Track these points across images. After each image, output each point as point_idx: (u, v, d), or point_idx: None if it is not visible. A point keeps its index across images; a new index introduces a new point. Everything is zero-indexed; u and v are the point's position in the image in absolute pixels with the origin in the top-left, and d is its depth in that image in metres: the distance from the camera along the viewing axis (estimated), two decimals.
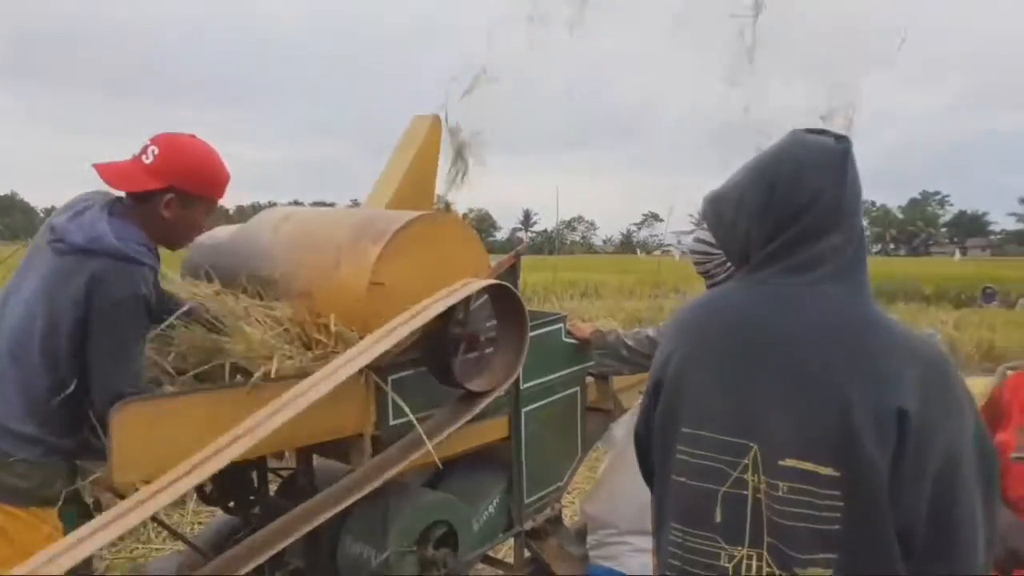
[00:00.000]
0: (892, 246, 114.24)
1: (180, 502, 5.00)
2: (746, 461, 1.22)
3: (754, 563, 1.21)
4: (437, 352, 2.57)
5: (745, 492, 1.22)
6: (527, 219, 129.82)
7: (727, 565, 1.23)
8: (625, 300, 20.27)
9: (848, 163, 1.28)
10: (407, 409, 2.47)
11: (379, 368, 2.46)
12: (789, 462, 1.17)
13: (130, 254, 2.09)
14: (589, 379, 3.61)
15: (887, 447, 1.11)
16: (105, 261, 2.06)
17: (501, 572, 3.48)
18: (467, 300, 2.66)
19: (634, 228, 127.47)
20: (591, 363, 3.52)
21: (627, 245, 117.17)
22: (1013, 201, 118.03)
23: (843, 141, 1.29)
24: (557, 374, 3.37)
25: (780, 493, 1.17)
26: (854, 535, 1.14)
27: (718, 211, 1.39)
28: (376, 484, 2.42)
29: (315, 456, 2.88)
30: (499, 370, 2.78)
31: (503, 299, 2.77)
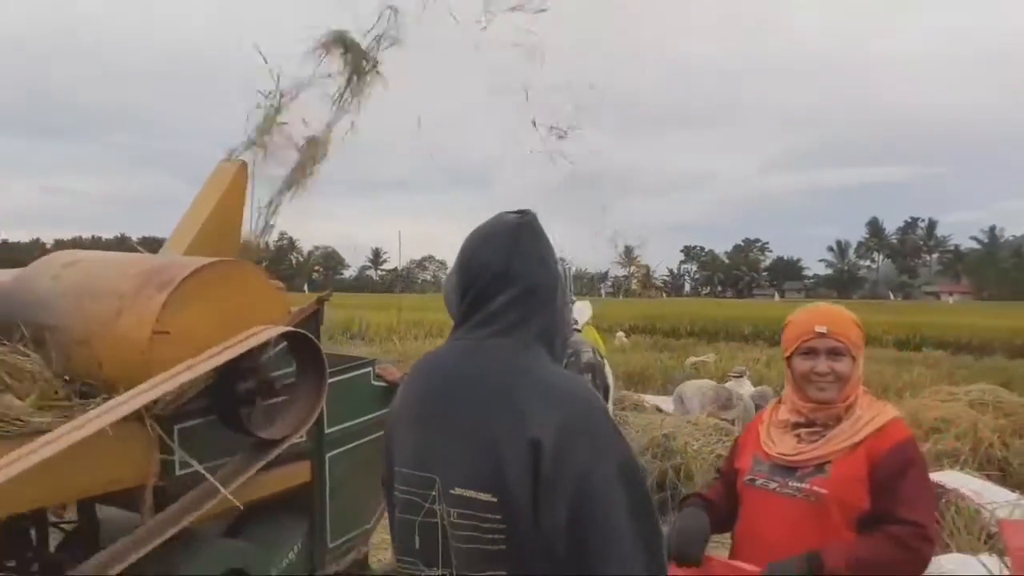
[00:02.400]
0: (720, 288, 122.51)
1: None
2: (434, 492, 1.39)
3: None
4: (226, 400, 2.57)
5: (435, 520, 1.39)
6: (376, 258, 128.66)
7: None
8: None
9: (519, 235, 1.49)
10: (191, 460, 2.45)
11: (162, 417, 2.43)
12: (458, 491, 1.34)
13: None
14: None
15: (526, 474, 1.29)
16: None
17: None
18: (262, 347, 2.68)
19: None
20: None
21: None
22: (823, 249, 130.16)
23: (523, 216, 1.52)
24: (365, 418, 3.42)
25: (453, 519, 1.35)
26: (516, 553, 1.31)
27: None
28: (164, 538, 2.37)
29: (105, 507, 2.78)
30: (295, 417, 2.80)
31: (300, 346, 2.80)
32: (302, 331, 2.76)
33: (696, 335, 25.49)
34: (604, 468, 1.31)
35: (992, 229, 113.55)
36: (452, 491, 1.35)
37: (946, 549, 4.30)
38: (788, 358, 2.16)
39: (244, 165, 3.43)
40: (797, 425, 2.12)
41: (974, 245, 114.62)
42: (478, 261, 1.49)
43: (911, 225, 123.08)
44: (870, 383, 11.71)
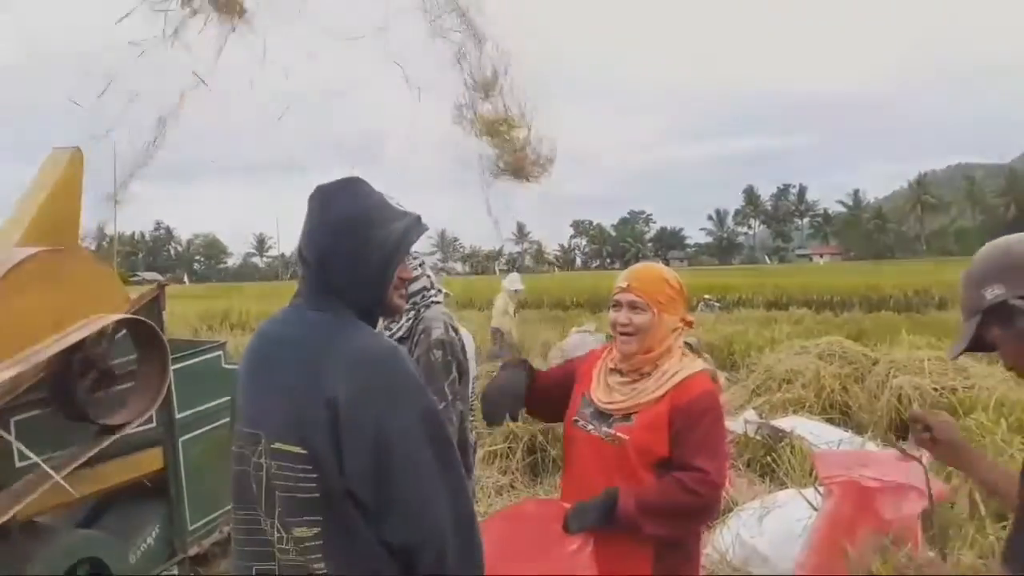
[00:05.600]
0: (609, 260, 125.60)
1: None
2: (260, 447, 1.49)
3: (274, 526, 1.48)
4: (63, 390, 2.56)
5: (262, 473, 1.49)
6: (261, 245, 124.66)
7: (265, 526, 1.51)
8: None
9: (312, 207, 1.57)
10: (24, 449, 2.44)
11: None
12: (277, 445, 1.46)
13: None
14: None
15: (327, 429, 1.41)
16: None
17: None
18: (100, 335, 2.69)
19: None
20: None
21: None
22: (703, 218, 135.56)
23: (319, 188, 1.58)
24: (219, 400, 3.44)
25: (274, 471, 1.46)
26: (328, 501, 1.42)
27: None
28: None
29: None
30: (139, 403, 2.82)
31: (140, 332, 2.81)
32: (139, 317, 2.77)
33: (581, 306, 26.20)
34: (402, 419, 1.44)
35: (856, 193, 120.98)
36: (272, 446, 1.46)
37: (781, 486, 4.73)
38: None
39: (79, 152, 3.34)
40: (614, 371, 2.29)
41: (841, 209, 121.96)
42: (300, 233, 1.58)
43: (784, 191, 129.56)
44: (736, 340, 12.19)
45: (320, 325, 1.52)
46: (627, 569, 2.15)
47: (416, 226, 1.60)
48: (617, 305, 2.26)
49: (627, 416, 2.20)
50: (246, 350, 1.66)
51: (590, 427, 2.28)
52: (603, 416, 2.26)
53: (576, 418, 2.33)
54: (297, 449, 1.43)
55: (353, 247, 1.53)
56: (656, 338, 2.22)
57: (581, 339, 8.82)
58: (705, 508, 2.15)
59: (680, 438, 2.13)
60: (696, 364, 2.27)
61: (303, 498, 1.44)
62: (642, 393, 2.21)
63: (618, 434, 2.19)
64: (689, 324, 2.31)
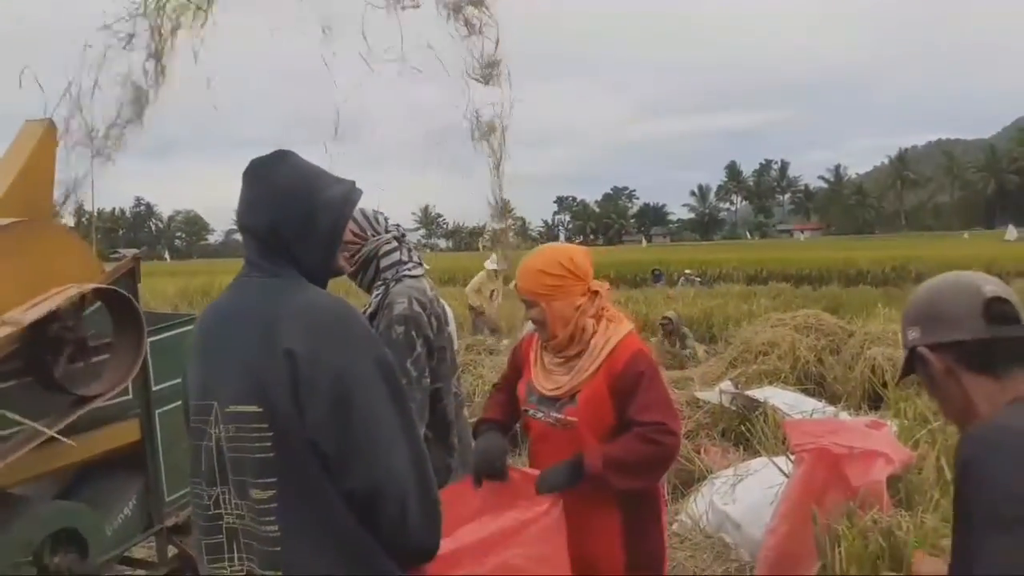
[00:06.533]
0: (592, 236, 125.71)
1: None
2: (212, 417, 1.51)
3: (227, 498, 1.50)
4: (37, 360, 2.56)
5: (213, 443, 1.51)
6: None
7: (209, 502, 1.53)
8: None
9: (248, 180, 1.58)
10: (9, 414, 2.45)
11: None
12: (231, 408, 1.47)
13: None
14: None
15: (285, 382, 1.42)
16: None
17: (142, 572, 3.51)
18: (76, 306, 2.68)
19: None
20: None
21: None
22: (686, 194, 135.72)
23: (253, 161, 1.60)
24: None
25: (231, 434, 1.48)
26: (284, 459, 1.44)
27: None
28: None
29: None
30: (114, 375, 2.82)
31: (115, 304, 2.81)
32: (113, 288, 2.76)
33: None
34: (360, 365, 1.46)
35: (837, 168, 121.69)
36: (226, 409, 1.48)
37: (755, 455, 4.82)
38: None
39: (52, 124, 3.31)
40: (547, 350, 2.38)
41: (822, 184, 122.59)
42: (239, 206, 1.60)
43: (765, 167, 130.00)
44: (715, 314, 12.37)
45: (270, 289, 1.55)
46: (598, 530, 2.23)
47: (354, 189, 1.66)
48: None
49: (572, 397, 2.28)
50: (196, 327, 1.67)
51: (540, 415, 2.35)
52: (550, 401, 2.33)
53: (527, 407, 2.40)
54: (253, 408, 1.45)
55: (303, 212, 1.56)
56: (557, 324, 2.29)
57: None
58: (668, 456, 2.25)
59: (626, 402, 2.22)
60: (622, 328, 2.33)
61: (259, 459, 1.45)
62: (580, 372, 2.28)
63: (567, 418, 2.28)
64: (595, 293, 2.33)
